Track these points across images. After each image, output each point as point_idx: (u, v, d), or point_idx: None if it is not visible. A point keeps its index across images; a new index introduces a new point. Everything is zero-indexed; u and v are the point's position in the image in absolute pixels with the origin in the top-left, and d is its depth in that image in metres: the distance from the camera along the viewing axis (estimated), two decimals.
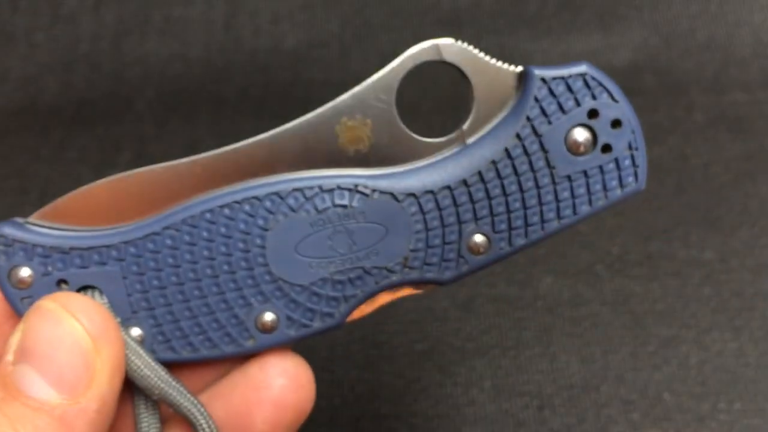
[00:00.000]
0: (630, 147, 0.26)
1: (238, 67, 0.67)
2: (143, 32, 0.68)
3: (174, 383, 0.26)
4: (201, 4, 0.68)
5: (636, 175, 0.27)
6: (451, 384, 0.45)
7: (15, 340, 0.23)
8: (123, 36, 0.67)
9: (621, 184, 0.27)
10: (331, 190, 0.26)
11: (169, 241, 0.26)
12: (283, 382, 0.26)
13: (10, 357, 0.22)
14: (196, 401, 0.26)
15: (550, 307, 0.48)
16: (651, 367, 0.45)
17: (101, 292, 0.26)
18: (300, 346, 0.29)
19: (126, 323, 0.26)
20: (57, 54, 0.67)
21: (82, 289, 0.26)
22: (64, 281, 0.26)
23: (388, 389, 0.45)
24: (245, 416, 0.26)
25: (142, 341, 0.26)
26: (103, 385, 0.23)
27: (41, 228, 0.26)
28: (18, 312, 0.26)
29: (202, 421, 0.26)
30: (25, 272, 0.25)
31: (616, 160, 0.26)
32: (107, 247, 0.26)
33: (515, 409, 0.43)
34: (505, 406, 0.43)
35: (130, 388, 0.26)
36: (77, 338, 0.23)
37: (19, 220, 0.26)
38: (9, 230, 0.25)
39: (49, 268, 0.25)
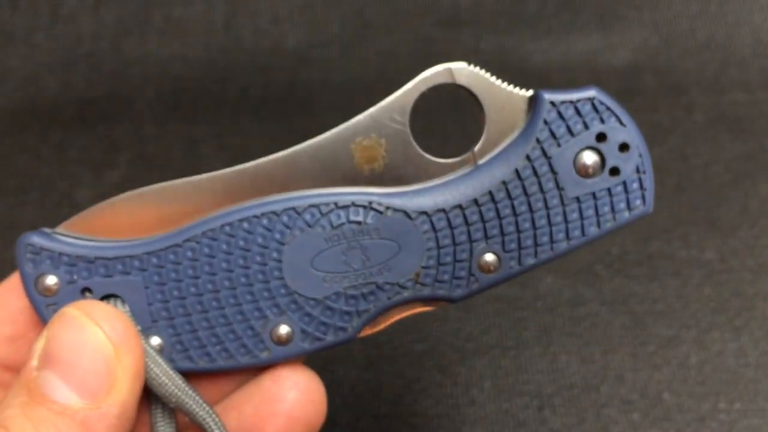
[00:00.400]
0: (638, 170, 0.27)
1: (239, 67, 0.67)
2: (143, 32, 0.68)
3: (190, 392, 0.26)
4: (201, 5, 0.68)
5: (644, 198, 0.27)
6: (451, 384, 0.45)
7: (39, 346, 0.23)
8: (123, 36, 0.68)
9: (629, 207, 0.27)
10: (346, 207, 0.27)
11: (189, 253, 0.27)
12: (295, 395, 0.27)
13: (34, 362, 0.23)
14: (211, 411, 0.26)
15: (550, 307, 0.48)
16: (651, 367, 0.45)
17: (123, 301, 0.27)
18: None
19: (146, 332, 0.27)
20: (57, 54, 0.67)
21: (106, 297, 0.27)
22: (89, 289, 0.27)
23: (388, 389, 0.45)
24: (257, 428, 0.27)
25: (161, 350, 0.27)
26: (124, 391, 0.23)
27: (67, 238, 0.27)
28: (43, 319, 0.26)
29: (216, 430, 0.26)
30: (51, 280, 0.26)
31: (624, 183, 0.27)
32: (131, 257, 0.27)
33: (515, 409, 0.43)
34: (505, 406, 0.43)
35: (148, 396, 0.27)
36: (99, 345, 0.23)
37: (47, 230, 0.28)
38: (37, 239, 0.27)
39: (75, 277, 0.26)
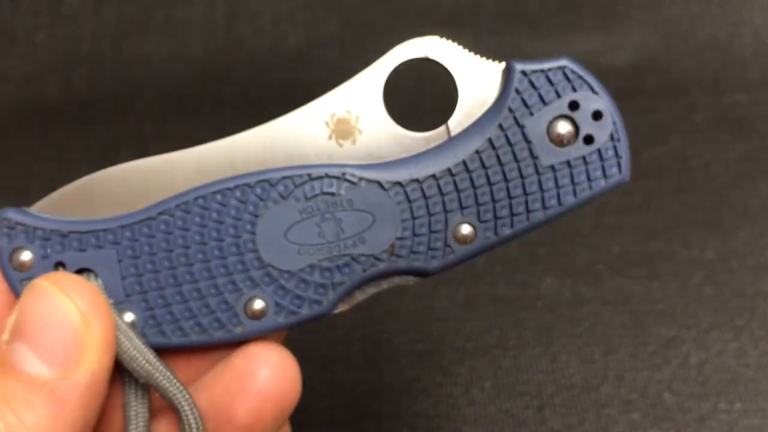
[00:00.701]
0: (612, 138, 0.27)
1: (239, 67, 0.67)
2: (144, 32, 0.68)
3: (161, 367, 0.26)
4: (202, 5, 0.68)
5: (619, 165, 0.27)
6: (452, 384, 0.45)
7: (11, 320, 0.23)
8: (124, 36, 0.68)
9: (605, 175, 0.27)
10: (319, 178, 0.27)
11: (163, 226, 0.26)
12: (266, 372, 0.26)
13: (5, 336, 0.23)
14: (181, 387, 0.26)
15: (550, 307, 0.48)
16: (651, 367, 0.45)
17: (96, 275, 0.26)
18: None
19: (119, 307, 0.27)
20: (58, 54, 0.67)
21: (79, 272, 0.26)
22: (62, 264, 0.26)
23: (388, 389, 0.45)
24: (228, 406, 0.26)
25: (134, 325, 0.27)
26: (93, 360, 0.23)
27: (42, 214, 0.27)
28: (16, 294, 0.26)
29: (186, 407, 0.26)
30: (26, 256, 0.26)
31: (599, 151, 0.27)
32: (104, 231, 0.26)
33: (515, 409, 0.43)
34: (506, 406, 0.44)
35: (122, 375, 0.27)
36: (67, 314, 0.23)
37: (23, 208, 0.27)
38: (12, 214, 0.27)
39: (48, 251, 0.26)
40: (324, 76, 0.66)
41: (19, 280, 0.26)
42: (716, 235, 0.52)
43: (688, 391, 0.44)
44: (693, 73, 0.64)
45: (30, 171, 0.60)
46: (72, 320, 0.23)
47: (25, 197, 0.58)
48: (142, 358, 0.26)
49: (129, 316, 0.27)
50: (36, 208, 0.27)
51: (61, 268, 0.26)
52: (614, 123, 0.27)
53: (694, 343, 0.46)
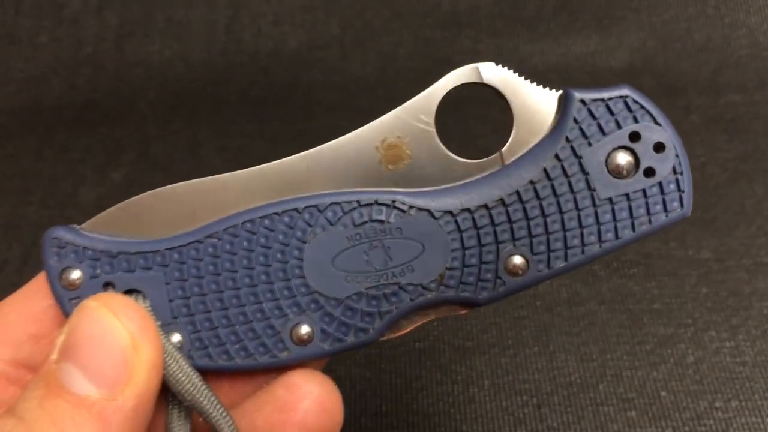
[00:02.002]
0: (674, 171, 0.26)
1: (240, 69, 0.67)
2: (146, 34, 0.68)
3: (206, 391, 0.26)
4: (203, 7, 0.68)
5: (681, 200, 0.26)
6: (451, 382, 0.45)
7: (60, 339, 0.23)
8: (126, 38, 0.68)
9: (665, 209, 0.26)
10: (368, 205, 0.26)
11: (210, 249, 0.26)
12: (307, 404, 0.26)
13: (54, 356, 0.23)
14: (224, 412, 0.26)
15: (548, 307, 0.48)
16: (648, 366, 0.45)
17: (144, 297, 0.26)
18: None
19: (166, 328, 0.26)
20: (60, 55, 0.67)
21: (127, 292, 0.26)
22: (111, 284, 0.26)
23: (388, 387, 0.45)
24: None
25: (181, 347, 0.26)
26: (141, 383, 0.23)
27: (92, 233, 0.27)
28: (66, 313, 0.26)
29: None
30: (75, 275, 0.26)
31: (660, 185, 0.26)
32: (153, 252, 0.26)
33: (514, 407, 0.43)
34: (504, 404, 0.44)
35: (166, 397, 0.27)
36: (117, 336, 0.23)
37: (74, 226, 0.27)
38: (63, 233, 0.27)
39: (97, 271, 0.26)
40: (324, 78, 0.66)
41: (68, 299, 0.26)
42: (712, 234, 0.52)
43: (684, 389, 0.44)
44: (689, 75, 0.64)
45: (32, 171, 0.60)
46: (121, 342, 0.23)
47: (29, 197, 0.59)
48: (188, 381, 0.25)
49: (176, 338, 0.26)
50: (87, 226, 0.27)
51: (110, 289, 0.26)
52: (677, 155, 0.26)
53: (691, 342, 0.46)
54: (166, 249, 0.26)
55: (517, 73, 0.26)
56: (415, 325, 0.27)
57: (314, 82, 0.66)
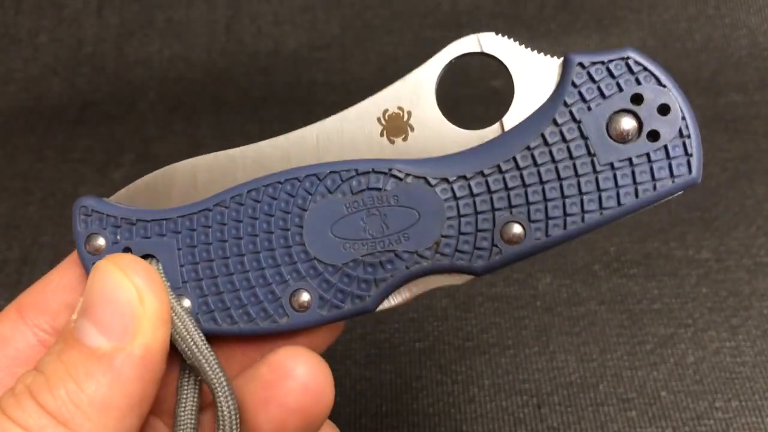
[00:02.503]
0: (681, 134, 0.25)
1: (240, 69, 0.67)
2: (146, 34, 0.68)
3: (206, 352, 0.27)
4: (203, 7, 0.68)
5: (689, 164, 0.25)
6: (451, 382, 0.45)
7: (80, 300, 0.25)
8: (126, 38, 0.68)
9: (672, 174, 0.25)
10: (366, 173, 0.26)
11: (218, 217, 0.27)
12: (290, 384, 0.26)
13: (74, 316, 0.24)
14: (220, 375, 0.26)
15: (548, 307, 0.48)
16: (648, 366, 0.45)
17: (158, 261, 0.28)
18: None
19: (177, 292, 0.27)
20: (60, 56, 0.67)
21: (143, 257, 0.28)
22: (129, 249, 0.28)
23: (388, 387, 0.45)
24: (252, 414, 0.27)
25: (189, 311, 0.27)
26: (148, 334, 0.24)
27: (115, 203, 0.28)
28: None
29: (221, 395, 0.26)
30: (99, 241, 0.28)
31: (665, 148, 0.25)
32: (167, 220, 0.28)
33: (514, 407, 0.43)
34: (504, 404, 0.44)
35: (180, 367, 0.28)
36: (124, 290, 0.24)
37: (102, 198, 0.29)
38: (90, 201, 0.28)
39: (118, 237, 0.28)
40: (324, 78, 0.66)
41: (92, 263, 0.27)
42: (712, 234, 0.52)
43: (684, 389, 0.44)
44: (689, 74, 0.64)
45: (33, 171, 0.60)
46: (128, 296, 0.24)
47: (29, 197, 0.59)
48: (191, 339, 0.26)
49: (186, 302, 0.27)
50: (114, 198, 0.29)
51: (129, 253, 0.28)
52: (684, 118, 0.25)
53: (691, 342, 0.46)
54: (179, 216, 0.27)
55: (517, 42, 0.26)
56: (413, 296, 0.27)
57: (314, 82, 0.66)
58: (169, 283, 0.27)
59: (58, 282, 0.28)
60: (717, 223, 0.53)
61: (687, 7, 0.67)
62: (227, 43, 0.68)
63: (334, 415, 0.44)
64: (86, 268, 0.28)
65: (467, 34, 0.28)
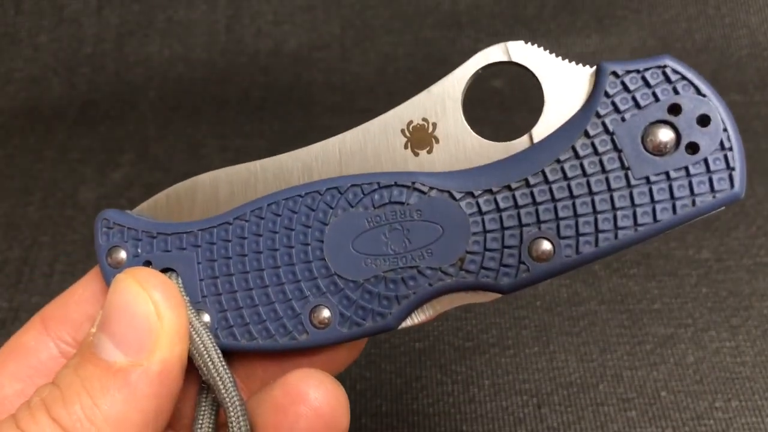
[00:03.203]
0: (722, 147, 0.23)
1: (240, 69, 0.67)
2: (146, 34, 0.68)
3: (221, 369, 0.26)
4: (203, 6, 0.69)
5: (731, 179, 0.24)
6: (451, 382, 0.45)
7: (100, 313, 0.25)
8: (126, 38, 0.68)
9: (712, 189, 0.23)
10: (389, 187, 0.26)
11: (238, 230, 0.27)
12: (301, 409, 0.26)
13: (93, 329, 0.24)
14: (233, 394, 0.26)
15: (548, 307, 0.49)
16: (648, 366, 0.45)
17: (177, 275, 0.27)
18: None
19: (196, 306, 0.27)
20: (60, 55, 0.68)
21: (163, 271, 0.27)
22: (150, 262, 0.28)
23: (388, 387, 0.45)
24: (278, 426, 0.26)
25: (208, 327, 0.27)
26: (165, 349, 0.24)
27: (137, 216, 0.28)
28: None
29: (233, 415, 0.26)
30: (120, 254, 0.28)
31: (705, 161, 0.23)
32: (187, 233, 0.27)
33: (514, 407, 0.44)
34: (504, 403, 0.44)
35: (199, 387, 0.27)
36: (142, 305, 0.24)
37: (125, 211, 0.29)
38: (112, 214, 0.28)
39: (139, 250, 0.28)
40: (324, 78, 0.66)
41: (112, 276, 0.27)
42: (712, 234, 0.52)
43: (684, 389, 0.44)
44: None
45: (33, 171, 0.60)
46: (146, 311, 0.24)
47: (29, 197, 0.59)
48: (207, 356, 0.26)
49: (205, 317, 0.27)
50: (136, 211, 0.28)
51: (149, 267, 0.27)
52: (725, 129, 0.23)
53: (691, 342, 0.46)
54: (199, 230, 0.27)
55: (547, 50, 0.25)
56: (437, 314, 0.26)
57: (314, 82, 0.66)
58: (188, 298, 0.27)
59: (81, 294, 0.28)
60: (717, 223, 0.53)
61: (687, 7, 0.67)
62: (227, 43, 0.68)
63: None
64: (107, 281, 0.27)
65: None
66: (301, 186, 0.27)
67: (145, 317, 0.24)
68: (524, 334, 0.47)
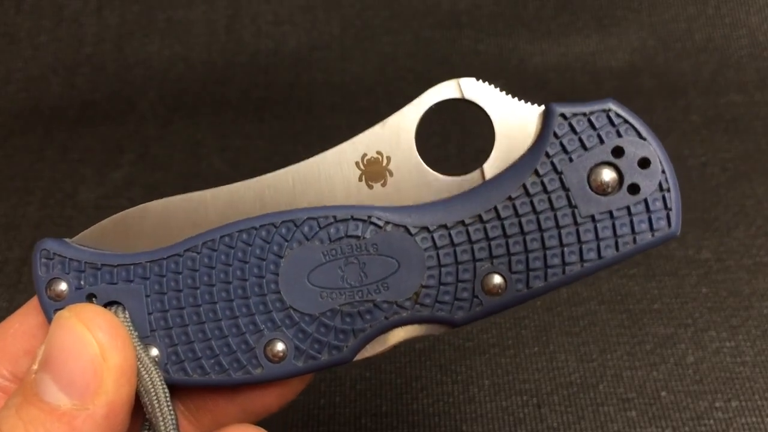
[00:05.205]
0: (661, 188, 0.25)
1: (240, 69, 0.67)
2: (146, 34, 0.68)
3: (166, 411, 0.25)
4: (203, 6, 0.69)
5: (669, 218, 0.25)
6: (451, 382, 0.45)
7: (41, 350, 0.24)
8: (126, 38, 0.68)
9: (651, 228, 0.25)
10: (345, 221, 0.26)
11: (189, 263, 0.26)
12: None
13: (35, 366, 0.23)
14: None
15: (548, 306, 0.49)
16: (648, 366, 0.45)
17: (124, 309, 0.26)
18: None
19: (145, 341, 0.26)
20: (60, 55, 0.68)
21: (109, 304, 0.27)
22: (94, 295, 0.27)
23: (388, 387, 0.45)
24: None
25: (157, 361, 0.26)
26: (110, 391, 0.23)
27: (79, 246, 0.27)
28: (50, 323, 0.26)
29: None
30: (61, 286, 0.27)
31: (645, 202, 0.25)
32: (134, 265, 0.26)
33: (514, 407, 0.44)
34: (504, 404, 0.44)
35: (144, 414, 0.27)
36: (86, 346, 0.23)
37: (64, 239, 0.28)
38: (51, 244, 0.27)
39: (82, 282, 0.26)
40: (324, 78, 0.66)
41: (53, 309, 0.26)
42: (712, 234, 0.52)
43: (684, 389, 0.44)
44: (689, 75, 0.64)
45: (32, 171, 0.60)
46: (90, 352, 0.23)
47: (28, 197, 0.59)
48: (154, 394, 0.25)
49: (154, 351, 0.26)
50: (78, 239, 0.27)
51: (93, 300, 0.26)
52: (663, 171, 0.25)
53: (691, 342, 0.46)
54: (147, 262, 0.26)
55: (498, 88, 0.26)
56: (390, 346, 0.27)
57: (314, 82, 0.66)
58: (136, 333, 0.26)
59: (18, 328, 0.27)
60: (717, 223, 0.53)
61: (687, 7, 0.67)
62: (227, 43, 0.68)
63: (335, 415, 0.44)
64: (47, 315, 0.26)
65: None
66: (255, 218, 0.26)
67: (90, 359, 0.23)
68: (524, 334, 0.47)
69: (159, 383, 0.26)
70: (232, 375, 0.26)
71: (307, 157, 0.27)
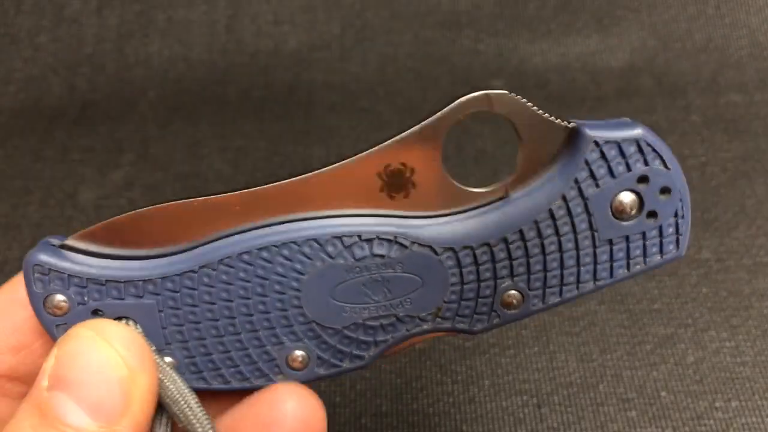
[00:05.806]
0: (676, 215, 0.26)
1: (240, 69, 0.67)
2: (146, 34, 0.68)
3: (200, 414, 0.25)
4: (203, 6, 0.69)
5: (677, 242, 0.26)
6: (451, 382, 0.45)
7: (49, 365, 0.23)
8: (126, 38, 0.68)
9: (661, 251, 0.26)
10: (370, 240, 0.26)
11: (205, 279, 0.26)
12: (290, 424, 0.26)
13: (44, 383, 0.22)
14: None
15: None
16: (648, 366, 0.45)
17: (135, 323, 0.26)
18: None
19: (160, 352, 0.26)
20: (60, 55, 0.68)
21: (117, 319, 0.26)
22: (100, 311, 0.26)
23: (388, 387, 0.45)
24: None
25: (175, 369, 0.26)
26: (138, 413, 0.23)
27: (77, 255, 0.26)
28: (53, 338, 0.25)
29: None
30: (59, 298, 0.25)
31: (660, 228, 0.26)
32: (144, 281, 0.26)
33: (514, 407, 0.44)
34: (504, 404, 0.44)
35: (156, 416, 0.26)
36: (114, 366, 0.23)
37: (55, 242, 0.26)
38: (45, 258, 0.26)
39: (86, 298, 0.26)
40: (324, 78, 0.66)
41: (55, 324, 0.25)
42: (712, 234, 0.52)
43: (684, 389, 0.44)
44: (689, 75, 0.64)
45: (32, 171, 0.60)
46: (119, 372, 0.23)
47: (28, 197, 0.59)
48: (184, 403, 0.25)
49: (169, 360, 0.26)
50: (75, 237, 0.26)
51: (99, 315, 0.26)
52: (681, 200, 0.26)
53: (691, 342, 0.46)
54: (159, 277, 0.26)
55: (530, 103, 0.25)
56: (407, 347, 0.28)
57: (314, 82, 0.66)
58: (153, 347, 0.25)
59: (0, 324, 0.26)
60: (717, 223, 0.53)
61: (687, 7, 0.67)
62: (227, 43, 0.68)
63: (335, 415, 0.44)
64: (48, 329, 0.25)
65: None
66: (274, 233, 0.26)
67: (118, 381, 0.22)
68: (524, 334, 0.47)
69: (188, 392, 0.25)
70: (254, 382, 0.27)
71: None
